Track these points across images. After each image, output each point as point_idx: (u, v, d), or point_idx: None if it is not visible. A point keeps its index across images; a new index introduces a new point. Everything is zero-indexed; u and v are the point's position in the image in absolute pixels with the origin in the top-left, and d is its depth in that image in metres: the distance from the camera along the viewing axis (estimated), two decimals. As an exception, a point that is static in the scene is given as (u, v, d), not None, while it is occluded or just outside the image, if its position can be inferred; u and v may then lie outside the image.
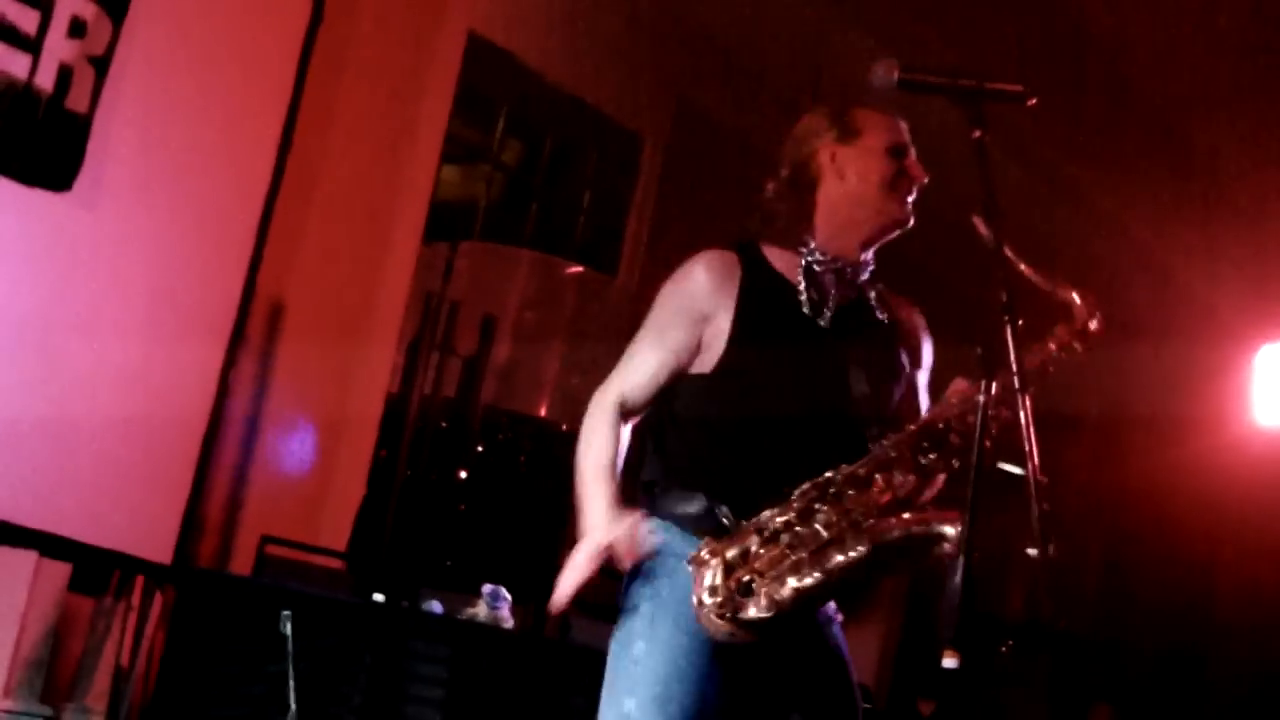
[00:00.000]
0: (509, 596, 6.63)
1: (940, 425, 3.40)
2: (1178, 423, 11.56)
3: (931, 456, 3.38)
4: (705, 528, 3.34)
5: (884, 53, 3.46)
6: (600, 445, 3.47)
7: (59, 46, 6.25)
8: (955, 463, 3.38)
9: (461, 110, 9.18)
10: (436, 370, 8.74)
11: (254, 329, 7.39)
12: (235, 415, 7.38)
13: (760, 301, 3.51)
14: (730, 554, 3.24)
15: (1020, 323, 2.99)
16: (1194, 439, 11.50)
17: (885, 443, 3.38)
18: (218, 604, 6.31)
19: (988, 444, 2.96)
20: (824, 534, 3.24)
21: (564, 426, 9.18)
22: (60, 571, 6.48)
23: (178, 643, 6.41)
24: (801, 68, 9.53)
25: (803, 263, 3.56)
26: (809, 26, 9.48)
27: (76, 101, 6.33)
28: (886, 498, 3.31)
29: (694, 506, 3.41)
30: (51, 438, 6.27)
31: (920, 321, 3.76)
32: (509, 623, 6.59)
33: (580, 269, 10.06)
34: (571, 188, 10.60)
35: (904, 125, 3.67)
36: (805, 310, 3.52)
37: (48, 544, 6.26)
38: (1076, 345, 3.44)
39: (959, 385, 3.47)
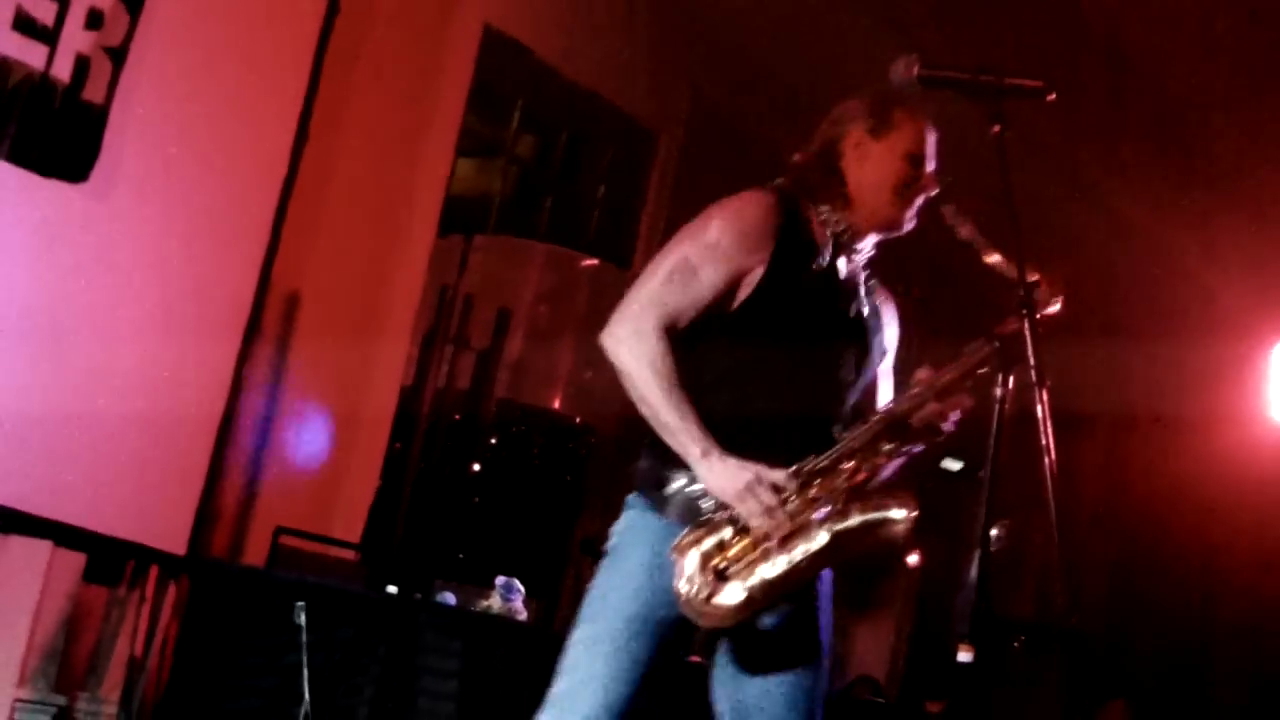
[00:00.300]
0: (522, 588, 6.64)
1: (901, 414, 3.48)
2: (1191, 421, 11.55)
3: (892, 445, 3.47)
4: (681, 512, 3.46)
5: (902, 49, 3.47)
6: (660, 374, 3.47)
7: (76, 37, 6.25)
8: (915, 449, 3.48)
9: (476, 104, 9.18)
10: (450, 363, 8.76)
11: (269, 321, 7.40)
12: (250, 407, 7.39)
13: (794, 256, 3.59)
14: (706, 545, 3.35)
15: (1039, 317, 3.00)
16: (1207, 436, 11.48)
17: (850, 432, 3.47)
18: (231, 595, 6.32)
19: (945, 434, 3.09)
20: (789, 524, 3.33)
21: (577, 419, 9.20)
22: (75, 561, 6.49)
23: (191, 633, 6.42)
24: (816, 64, 9.53)
25: (829, 232, 3.67)
26: (825, 22, 9.47)
27: (93, 92, 6.34)
28: (847, 486, 3.40)
29: (672, 488, 3.49)
30: (66, 428, 6.27)
31: (894, 311, 3.85)
32: (522, 615, 6.60)
33: (594, 262, 10.07)
34: (586, 181, 10.60)
35: (933, 136, 3.74)
36: (819, 269, 3.61)
37: (62, 534, 6.27)
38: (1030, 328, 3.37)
39: (922, 375, 3.54)
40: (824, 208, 3.69)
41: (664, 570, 3.41)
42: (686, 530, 3.38)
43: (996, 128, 3.25)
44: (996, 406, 3.00)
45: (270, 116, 7.13)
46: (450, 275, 8.74)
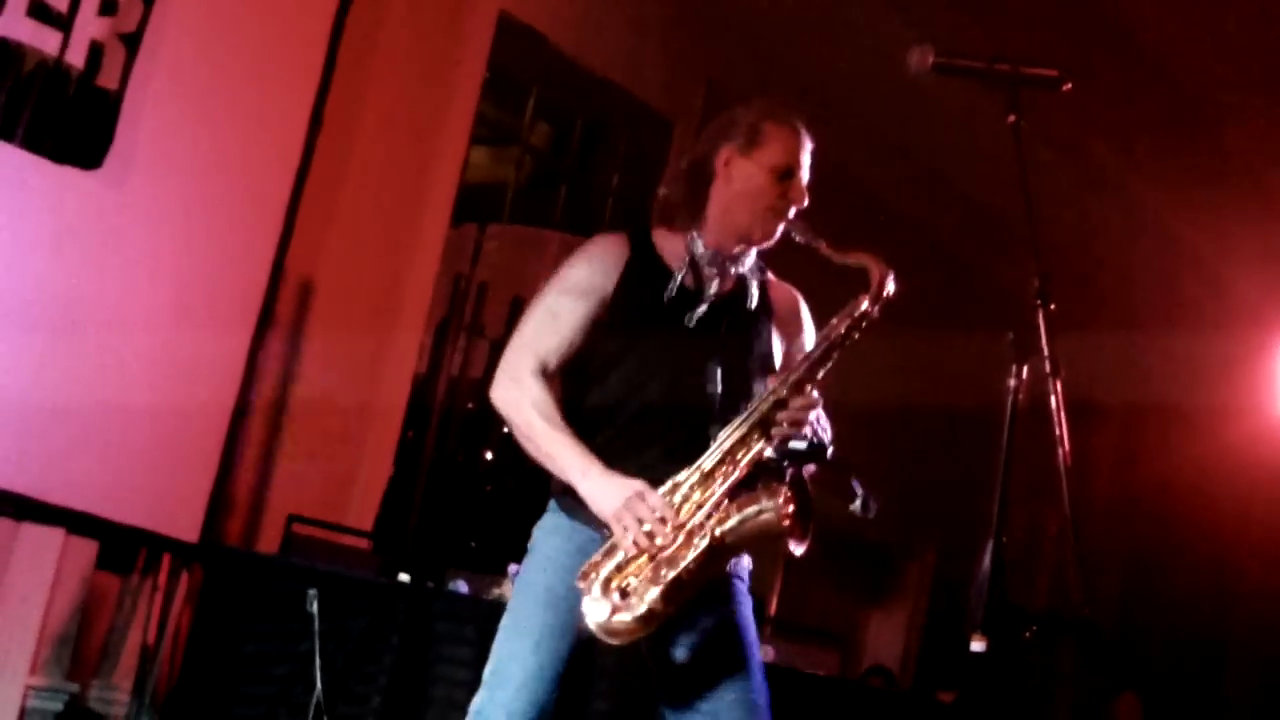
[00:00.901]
0: (535, 578, 6.62)
1: (761, 413, 3.57)
2: (1203, 412, 11.54)
3: (760, 443, 3.55)
4: (591, 517, 3.60)
5: (918, 37, 3.46)
6: (537, 410, 3.66)
7: (90, 24, 6.25)
8: (776, 440, 3.54)
9: (491, 92, 9.17)
10: (464, 352, 8.74)
11: (282, 309, 7.40)
12: (263, 395, 7.39)
13: (638, 287, 3.75)
14: (606, 570, 3.48)
15: (1053, 307, 3.00)
16: (1219, 428, 11.47)
17: (725, 433, 3.57)
18: (244, 583, 6.32)
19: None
20: (672, 535, 3.45)
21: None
22: (88, 549, 6.51)
23: (204, 621, 6.43)
24: (832, 52, 9.52)
25: (687, 254, 3.80)
26: (840, 11, 9.46)
27: (107, 79, 6.34)
28: (722, 489, 3.51)
29: (574, 496, 3.65)
30: (79, 416, 6.28)
31: (798, 304, 3.95)
32: (534, 604, 6.58)
33: (609, 251, 10.04)
34: (601, 170, 10.58)
35: (807, 146, 3.85)
36: (668, 298, 3.74)
37: (75, 521, 6.28)
38: (874, 310, 3.62)
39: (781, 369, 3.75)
40: (690, 234, 3.82)
41: (578, 555, 3.58)
42: (589, 561, 3.52)
43: (1012, 117, 3.25)
44: (1010, 397, 3.00)
45: (284, 104, 7.13)
46: (464, 264, 8.73)
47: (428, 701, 5.78)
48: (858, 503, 3.58)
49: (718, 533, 3.44)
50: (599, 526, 3.57)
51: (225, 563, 6.64)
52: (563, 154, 10.56)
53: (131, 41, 6.41)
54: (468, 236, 8.83)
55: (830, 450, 3.52)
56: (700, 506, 3.48)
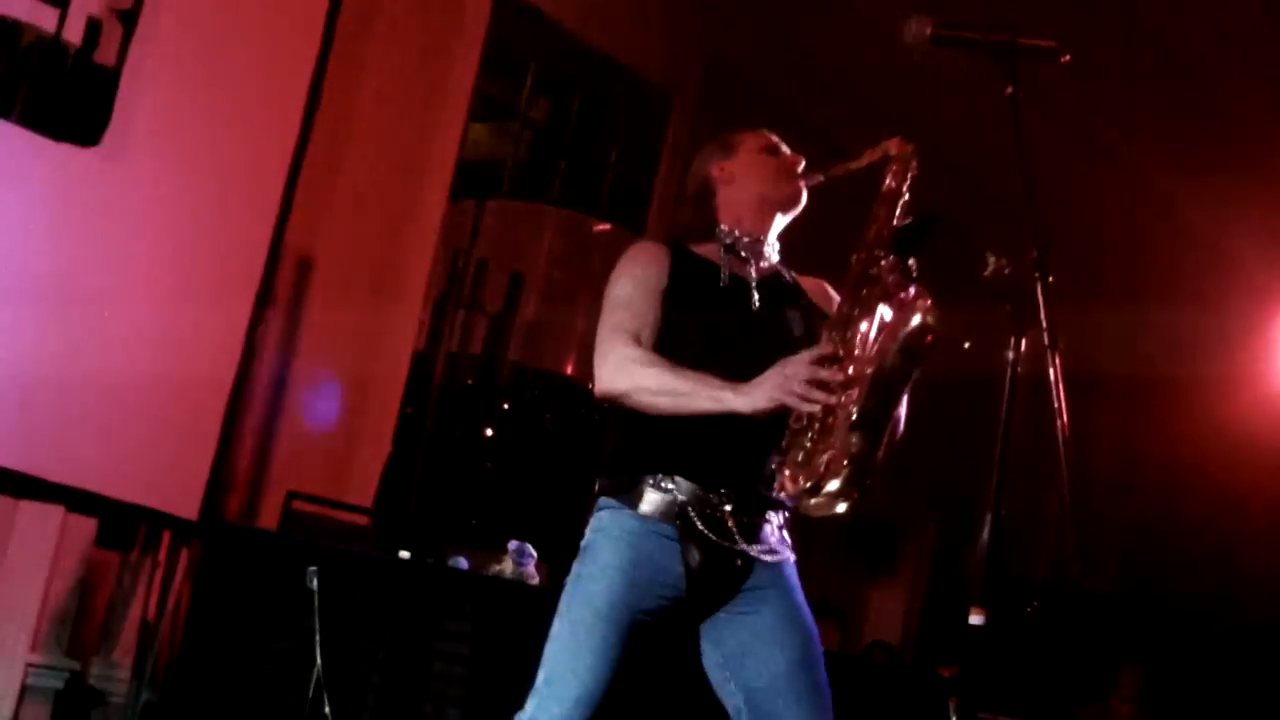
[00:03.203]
0: (534, 553, 6.63)
1: (863, 269, 3.64)
2: (1206, 383, 11.53)
3: (874, 296, 3.58)
4: (656, 511, 3.61)
5: (916, 8, 3.46)
6: (654, 364, 3.64)
7: (87, 0, 6.24)
8: (894, 278, 3.56)
9: (490, 67, 9.15)
10: (463, 328, 8.74)
11: (281, 285, 7.40)
12: (262, 371, 7.39)
13: (689, 279, 3.81)
14: (800, 458, 3.47)
15: (1052, 279, 3.00)
16: (1222, 400, 11.47)
17: (830, 318, 3.64)
18: (244, 559, 6.32)
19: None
20: (839, 378, 3.45)
21: (591, 384, 9.18)
22: (87, 526, 6.51)
23: (204, 598, 6.43)
24: (832, 25, 9.49)
25: (721, 246, 3.90)
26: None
27: (105, 55, 6.33)
28: (865, 329, 3.54)
29: (645, 491, 3.64)
30: (78, 393, 6.28)
31: (827, 289, 3.99)
32: (534, 579, 6.59)
33: (608, 227, 10.03)
34: (600, 145, 10.57)
35: (773, 135, 4.04)
36: (724, 283, 3.82)
37: (75, 498, 6.28)
38: (909, 177, 3.73)
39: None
40: (718, 230, 3.93)
41: (640, 565, 3.57)
42: (777, 471, 3.50)
43: (1010, 88, 3.25)
44: (1009, 370, 3.00)
45: (282, 79, 7.11)
46: (463, 239, 8.71)
47: (427, 676, 5.79)
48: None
49: (885, 360, 3.43)
50: (665, 518, 3.58)
51: (225, 540, 6.64)
52: (561, 129, 10.55)
53: (129, 18, 6.40)
54: (466, 212, 8.82)
55: (937, 216, 3.56)
56: (846, 354, 3.49)
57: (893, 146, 3.73)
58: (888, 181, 3.71)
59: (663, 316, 3.75)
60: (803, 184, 3.92)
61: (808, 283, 4.01)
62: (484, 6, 8.82)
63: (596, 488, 3.76)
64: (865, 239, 3.65)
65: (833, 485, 3.41)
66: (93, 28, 6.27)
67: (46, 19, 6.13)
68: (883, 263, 3.57)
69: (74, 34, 6.21)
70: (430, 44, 8.45)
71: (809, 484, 3.42)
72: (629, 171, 10.57)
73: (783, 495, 3.50)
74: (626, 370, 3.65)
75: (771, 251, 3.95)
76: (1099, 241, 10.94)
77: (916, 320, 3.39)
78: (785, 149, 4.00)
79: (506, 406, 9.09)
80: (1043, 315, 2.98)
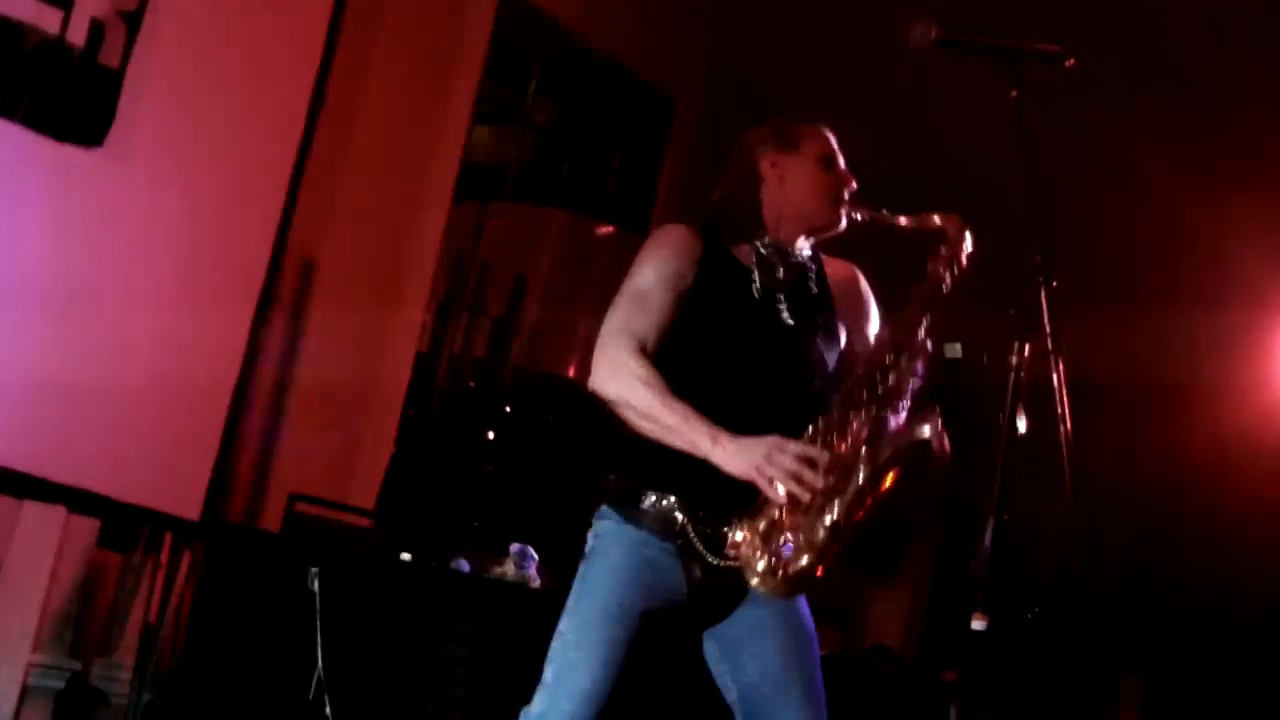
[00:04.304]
0: (536, 556, 6.64)
1: (884, 359, 3.59)
2: (1209, 389, 11.52)
3: (887, 384, 3.56)
4: (655, 525, 3.62)
5: (920, 12, 3.46)
6: (649, 386, 3.61)
7: (91, 2, 6.23)
8: (912, 383, 3.56)
9: (494, 69, 9.14)
10: (466, 330, 8.75)
11: (284, 287, 7.39)
12: (265, 373, 7.38)
13: (719, 279, 3.77)
14: (761, 527, 3.44)
15: (1055, 284, 3.00)
16: (1223, 405, 11.45)
17: (843, 387, 3.60)
18: (246, 561, 6.32)
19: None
20: (829, 480, 3.40)
21: (587, 389, 9.18)
22: (89, 527, 6.50)
23: (206, 599, 6.43)
24: (835, 29, 9.49)
25: (754, 252, 3.85)
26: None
27: (108, 57, 6.32)
28: (864, 431, 3.48)
29: (646, 504, 3.65)
30: (80, 394, 6.27)
31: (856, 279, 4.02)
32: (536, 582, 6.60)
33: (612, 229, 10.03)
34: (604, 148, 10.57)
35: (834, 138, 3.96)
36: (757, 294, 3.78)
37: (77, 499, 6.27)
38: (956, 269, 3.67)
39: (881, 333, 3.79)
40: (756, 230, 3.89)
41: (644, 569, 3.59)
42: (735, 530, 3.49)
43: (1014, 93, 3.25)
44: (1011, 375, 3.00)
45: (286, 81, 7.11)
46: (467, 242, 8.72)
47: (428, 679, 5.80)
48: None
49: (873, 464, 3.40)
50: (665, 536, 3.58)
51: (227, 541, 6.64)
52: (565, 132, 10.55)
53: (133, 20, 6.40)
54: (470, 214, 8.82)
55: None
56: (845, 445, 3.46)
57: (951, 226, 3.69)
58: (937, 269, 3.66)
59: (686, 313, 3.72)
60: (844, 213, 3.88)
61: (836, 272, 3.99)
62: (488, 9, 8.82)
63: (598, 495, 3.77)
64: (899, 323, 3.64)
65: (786, 570, 3.42)
66: (96, 29, 6.26)
67: (50, 21, 6.12)
68: (913, 366, 3.56)
69: (78, 36, 6.20)
70: (434, 46, 8.44)
71: (761, 561, 3.42)
72: (633, 174, 10.57)
73: (734, 556, 3.47)
74: (621, 380, 3.63)
75: (802, 252, 3.92)
76: (1101, 246, 10.94)
77: (924, 434, 3.38)
78: (841, 163, 3.93)
79: (509, 409, 9.09)
80: (1045, 320, 2.98)
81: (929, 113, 9.61)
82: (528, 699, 3.63)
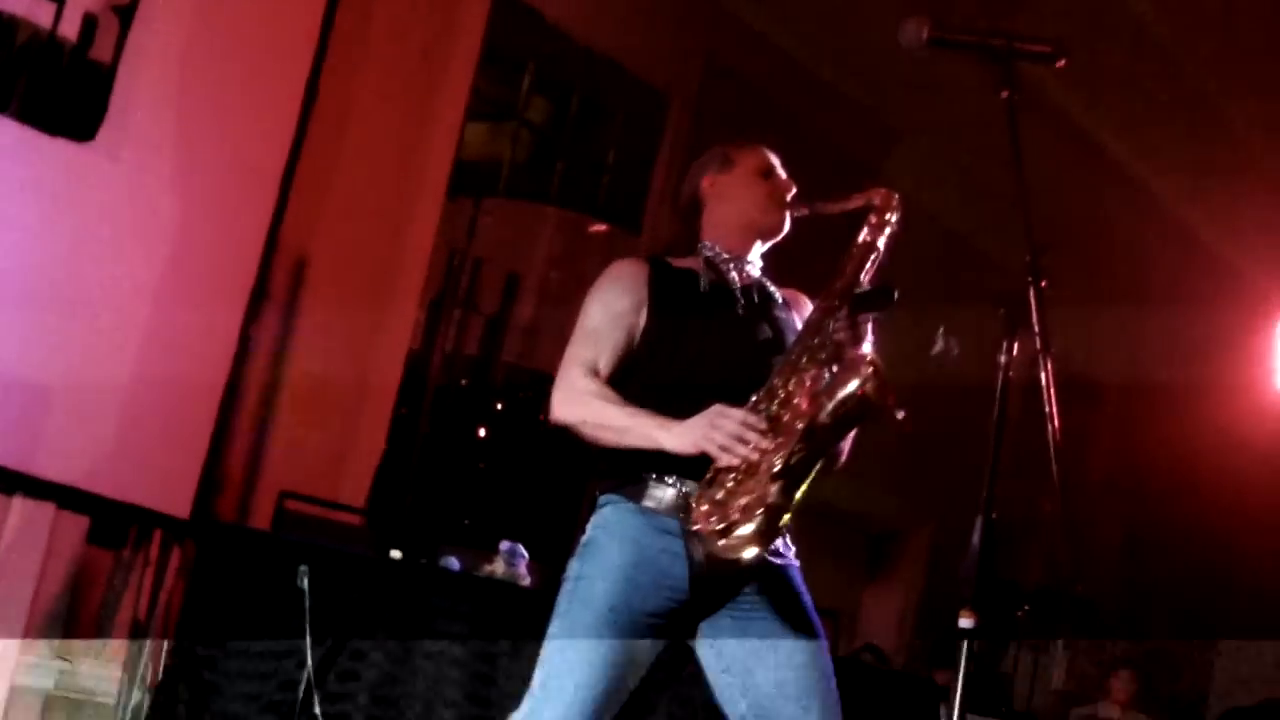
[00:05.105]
0: (526, 554, 6.63)
1: (820, 324, 3.62)
2: (1200, 389, 11.53)
3: (826, 347, 3.59)
4: (660, 503, 3.60)
5: (913, 11, 3.45)
6: (601, 398, 3.67)
7: (83, -4, 6.25)
8: (850, 342, 3.59)
9: (488, 67, 9.14)
10: (458, 327, 8.75)
11: (276, 284, 7.38)
12: (256, 370, 7.37)
13: (670, 288, 3.81)
14: (718, 496, 3.45)
15: (1045, 284, 2.99)
16: (1217, 405, 11.46)
17: (784, 356, 3.63)
18: (236, 558, 6.30)
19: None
20: (767, 434, 3.44)
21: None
22: (79, 524, 6.49)
23: (195, 597, 6.41)
24: (829, 27, 9.49)
25: (702, 259, 3.90)
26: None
27: (100, 52, 6.32)
28: (805, 391, 3.51)
29: (648, 484, 3.63)
30: (70, 390, 6.27)
31: (803, 301, 3.99)
32: (526, 580, 6.59)
33: (605, 227, 10.04)
34: (598, 146, 10.57)
35: (772, 155, 4.01)
36: (705, 288, 3.82)
37: (66, 496, 6.27)
38: (886, 232, 3.71)
39: (818, 301, 3.74)
40: (700, 245, 3.93)
41: (643, 566, 3.55)
42: (696, 502, 3.47)
43: (1006, 92, 3.24)
44: (1001, 373, 2.99)
45: (278, 77, 7.11)
46: (460, 239, 8.72)
47: (418, 677, 5.78)
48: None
49: (817, 418, 3.41)
50: (670, 512, 3.57)
51: (217, 539, 6.62)
52: (559, 129, 10.55)
53: (125, 14, 6.40)
54: (463, 211, 8.82)
55: (895, 293, 3.55)
56: (784, 405, 3.49)
57: (877, 197, 3.73)
58: (863, 234, 3.71)
59: (649, 328, 3.75)
60: (787, 214, 3.91)
61: (787, 294, 4.00)
62: (482, 6, 8.82)
63: (597, 489, 3.74)
64: (830, 288, 3.66)
65: (743, 530, 3.41)
66: (89, 24, 6.26)
67: (43, 15, 6.13)
68: (839, 317, 3.59)
69: (70, 30, 6.21)
70: (428, 43, 8.43)
71: (720, 525, 3.42)
72: (626, 172, 10.57)
73: (694, 528, 3.47)
74: (575, 401, 3.68)
75: (753, 268, 3.95)
76: (1097, 245, 10.94)
77: (854, 385, 3.39)
78: (780, 173, 3.98)
79: (501, 407, 9.09)
80: (1035, 319, 2.98)
81: (923, 112, 9.61)
82: (518, 697, 3.59)
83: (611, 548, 3.60)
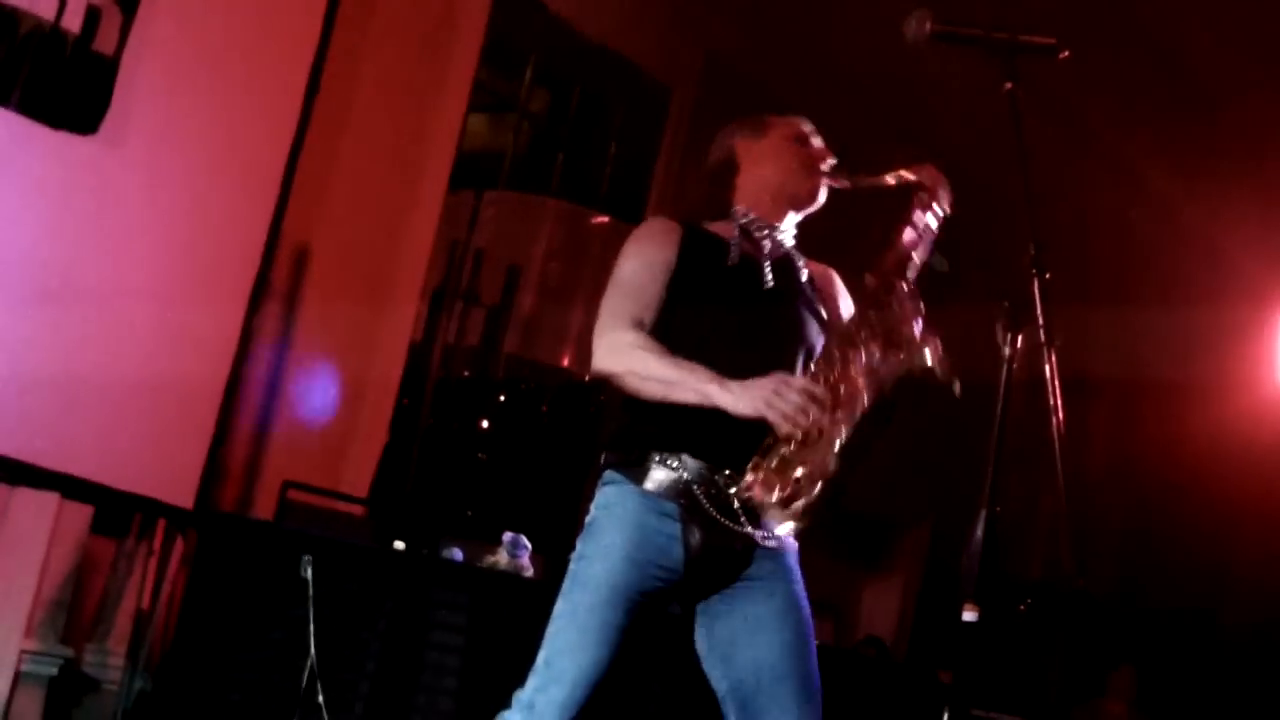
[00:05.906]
0: (529, 545, 6.64)
1: (877, 298, 3.59)
2: (1201, 385, 11.53)
3: (884, 321, 3.55)
4: (661, 486, 3.61)
5: (916, 4, 3.46)
6: (649, 350, 3.63)
7: (87, -12, 6.25)
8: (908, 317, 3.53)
9: (489, 59, 9.15)
10: (460, 319, 8.74)
11: (278, 275, 7.39)
12: (259, 361, 7.38)
13: (698, 256, 3.79)
14: (773, 464, 3.45)
15: (1048, 277, 3.01)
16: (1217, 401, 11.46)
17: (839, 330, 3.66)
18: (239, 548, 6.31)
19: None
20: (836, 411, 3.44)
21: (587, 377, 9.19)
22: (82, 514, 6.50)
23: (199, 586, 6.42)
24: (830, 20, 9.49)
25: (736, 225, 3.87)
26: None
27: (104, 43, 6.32)
28: (866, 363, 3.49)
29: (652, 465, 3.64)
30: (75, 381, 6.27)
31: (833, 278, 4.02)
32: (529, 571, 6.60)
33: (606, 219, 10.04)
34: (599, 138, 10.58)
35: (808, 124, 4.01)
36: (734, 260, 3.79)
37: (70, 486, 6.28)
38: (939, 210, 3.70)
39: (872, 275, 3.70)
40: (734, 210, 3.91)
41: (643, 545, 3.57)
42: (747, 472, 3.47)
43: (1009, 85, 3.25)
44: (1004, 367, 3.00)
45: (281, 69, 7.11)
46: (461, 231, 8.71)
47: (421, 667, 5.79)
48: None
49: (879, 392, 3.42)
50: (670, 496, 3.58)
51: (220, 528, 6.64)
52: (561, 121, 10.56)
53: (128, 6, 6.40)
54: (465, 203, 8.82)
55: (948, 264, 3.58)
56: (843, 377, 3.48)
57: (926, 176, 3.70)
58: (917, 213, 3.67)
59: (670, 294, 3.73)
60: (824, 182, 3.89)
61: (816, 269, 3.99)
62: (485, -2, 8.83)
63: (603, 461, 3.74)
64: (884, 263, 3.63)
65: (800, 503, 3.42)
66: (92, 16, 6.26)
67: (46, 7, 6.13)
68: (901, 289, 3.56)
69: (73, 22, 6.21)
70: (430, 35, 8.44)
71: (779, 495, 3.42)
72: (628, 164, 10.58)
73: (748, 496, 3.48)
74: (620, 353, 3.64)
75: (785, 237, 3.92)
76: (1096, 241, 10.95)
77: (918, 360, 3.38)
78: (816, 141, 3.96)
79: (503, 398, 9.10)
80: (1039, 313, 2.99)
81: (925, 105, 9.61)
82: (522, 684, 3.62)
83: (611, 529, 3.62)
